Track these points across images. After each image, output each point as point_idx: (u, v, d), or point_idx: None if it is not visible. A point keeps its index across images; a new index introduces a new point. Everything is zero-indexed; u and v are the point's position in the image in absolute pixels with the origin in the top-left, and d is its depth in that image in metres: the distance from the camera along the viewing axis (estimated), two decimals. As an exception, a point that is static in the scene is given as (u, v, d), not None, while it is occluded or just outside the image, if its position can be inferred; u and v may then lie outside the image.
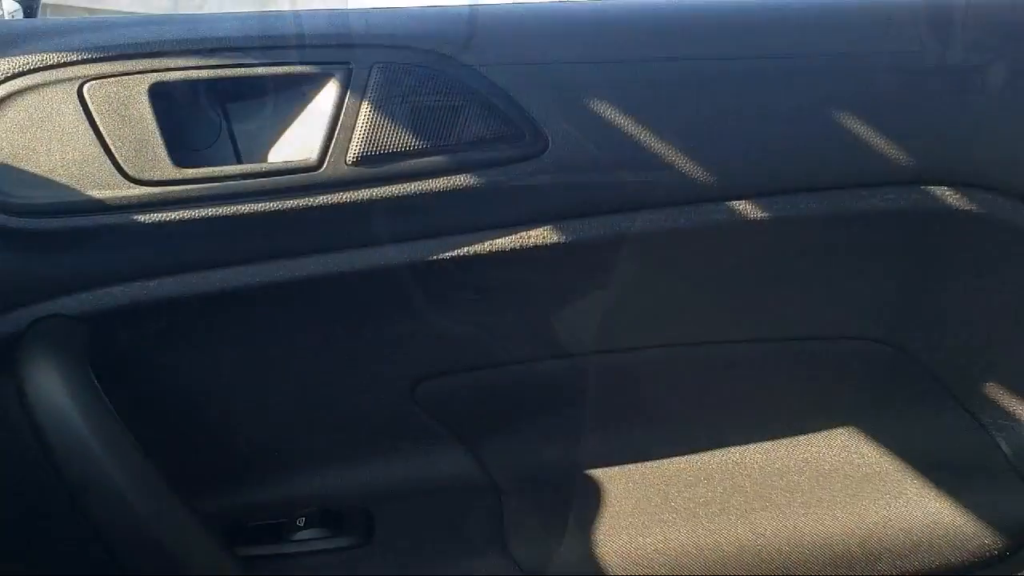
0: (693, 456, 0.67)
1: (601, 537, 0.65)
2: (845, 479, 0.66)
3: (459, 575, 0.62)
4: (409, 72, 0.56)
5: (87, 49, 0.55)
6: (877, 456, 0.67)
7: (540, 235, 0.59)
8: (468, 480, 0.66)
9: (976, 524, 0.64)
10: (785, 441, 0.67)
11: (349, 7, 0.63)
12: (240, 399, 0.64)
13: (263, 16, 0.59)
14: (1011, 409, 0.67)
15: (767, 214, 0.60)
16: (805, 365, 0.67)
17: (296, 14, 0.59)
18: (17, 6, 0.93)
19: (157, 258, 0.57)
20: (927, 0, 0.62)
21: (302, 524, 0.61)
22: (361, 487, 0.65)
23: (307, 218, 0.56)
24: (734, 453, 0.67)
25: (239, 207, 0.55)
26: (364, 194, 0.56)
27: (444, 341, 0.64)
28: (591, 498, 0.67)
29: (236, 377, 0.63)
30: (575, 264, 0.62)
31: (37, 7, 0.96)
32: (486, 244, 0.59)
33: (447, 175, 0.57)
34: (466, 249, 0.59)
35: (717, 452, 0.67)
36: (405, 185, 0.57)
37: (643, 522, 0.65)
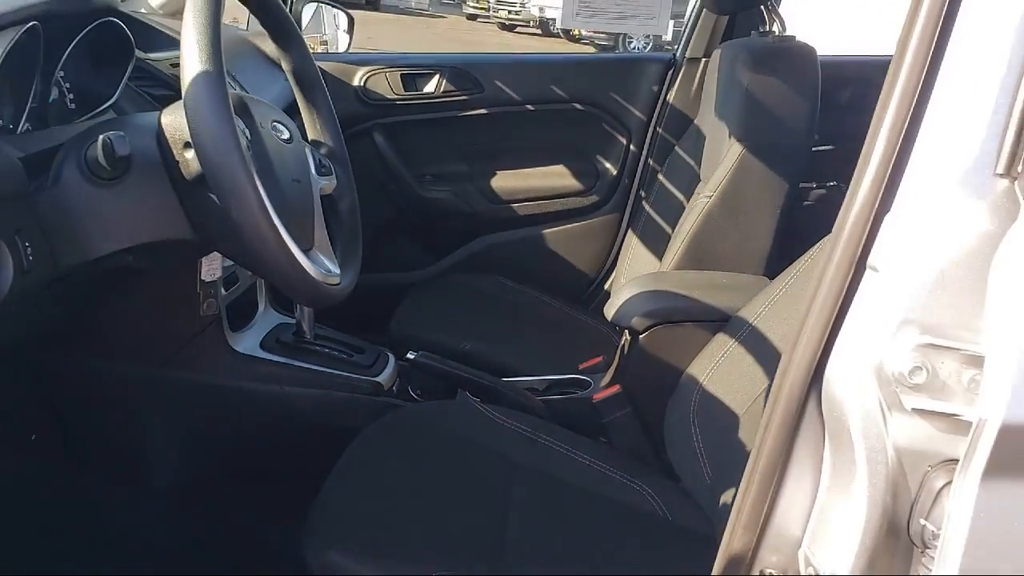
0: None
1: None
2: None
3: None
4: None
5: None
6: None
7: (480, 110, 1.67)
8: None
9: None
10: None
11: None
12: None
13: None
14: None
15: (528, 109, 1.83)
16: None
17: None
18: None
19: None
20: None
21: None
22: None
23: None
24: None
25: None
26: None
27: None
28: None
29: None
30: (485, 117, 1.81)
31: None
32: (468, 112, 1.69)
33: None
34: (458, 114, 1.70)
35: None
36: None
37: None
